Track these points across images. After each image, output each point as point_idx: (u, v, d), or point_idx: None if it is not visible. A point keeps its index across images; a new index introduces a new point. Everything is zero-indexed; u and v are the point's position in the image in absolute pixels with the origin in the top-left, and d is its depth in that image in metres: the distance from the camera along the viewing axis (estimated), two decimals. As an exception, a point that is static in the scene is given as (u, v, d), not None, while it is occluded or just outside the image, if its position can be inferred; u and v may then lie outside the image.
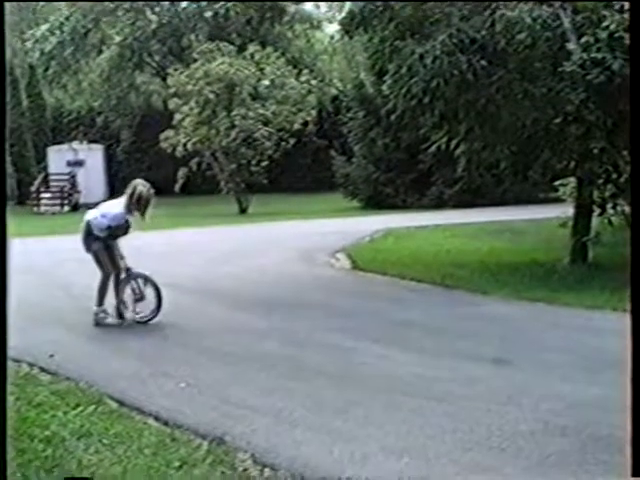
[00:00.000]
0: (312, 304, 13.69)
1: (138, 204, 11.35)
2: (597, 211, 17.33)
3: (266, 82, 39.22)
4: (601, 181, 16.62)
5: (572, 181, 18.52)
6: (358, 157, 38.98)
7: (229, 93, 37.80)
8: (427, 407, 7.57)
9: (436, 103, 15.21)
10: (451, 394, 8.01)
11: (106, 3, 47.13)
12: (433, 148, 17.96)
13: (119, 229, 11.56)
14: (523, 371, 8.93)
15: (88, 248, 11.60)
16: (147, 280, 11.66)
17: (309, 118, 40.45)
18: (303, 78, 40.49)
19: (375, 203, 37.12)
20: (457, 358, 9.53)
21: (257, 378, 8.88)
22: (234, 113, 37.39)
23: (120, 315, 11.66)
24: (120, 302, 11.67)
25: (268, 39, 47.19)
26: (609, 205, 17.51)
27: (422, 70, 14.69)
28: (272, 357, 9.89)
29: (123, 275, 11.65)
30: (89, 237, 11.54)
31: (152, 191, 11.50)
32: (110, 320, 11.62)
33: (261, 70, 39.07)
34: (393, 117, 17.18)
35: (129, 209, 11.42)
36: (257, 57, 39.58)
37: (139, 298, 11.63)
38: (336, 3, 44.24)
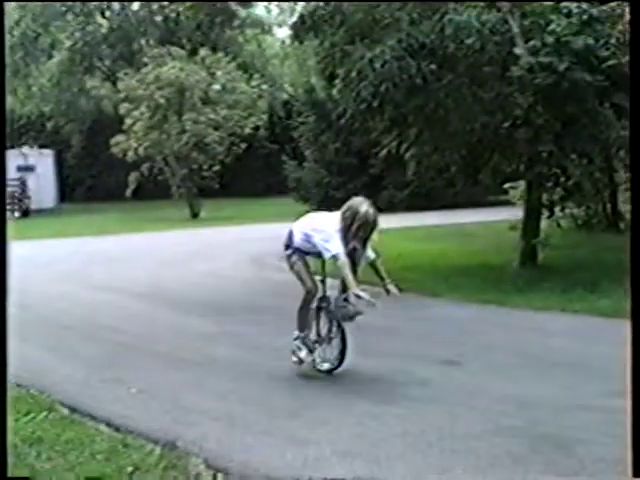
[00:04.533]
0: (263, 308, 13.70)
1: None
2: (546, 214, 17.50)
3: (217, 86, 39.24)
4: (550, 184, 16.78)
5: (521, 184, 18.71)
6: (309, 161, 39.09)
7: (180, 97, 37.77)
8: (379, 410, 7.60)
9: (386, 107, 15.31)
10: (404, 396, 8.04)
11: (57, 5, 46.85)
12: (384, 152, 18.05)
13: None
14: (474, 372, 8.99)
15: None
16: None
17: (260, 123, 40.55)
18: (254, 82, 40.57)
19: (327, 207, 36.72)
20: (409, 360, 9.58)
21: (209, 382, 8.87)
22: (185, 118, 37.37)
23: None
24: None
25: (219, 43, 47.21)
26: (558, 208, 17.71)
27: (371, 74, 14.77)
28: (224, 361, 9.90)
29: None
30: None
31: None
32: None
33: (212, 74, 39.08)
34: (343, 121, 17.28)
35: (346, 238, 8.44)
36: (208, 61, 39.60)
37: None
38: (287, 6, 44.31)
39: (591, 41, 15.00)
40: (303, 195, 39.17)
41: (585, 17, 15.06)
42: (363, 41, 15.77)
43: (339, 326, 8.79)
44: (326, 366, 8.90)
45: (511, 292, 14.15)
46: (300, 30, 17.44)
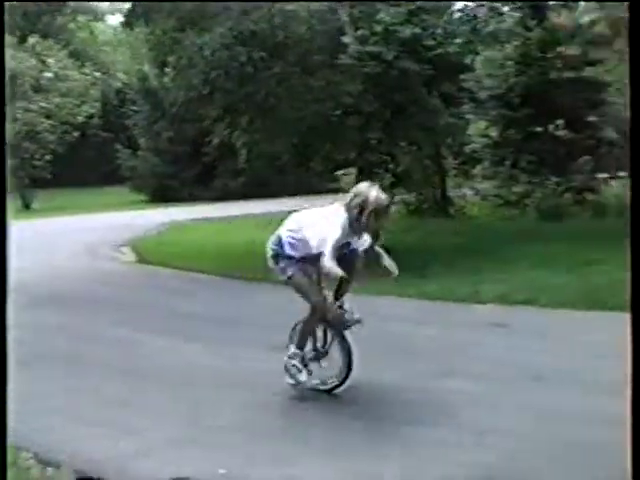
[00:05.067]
0: (97, 298, 13.56)
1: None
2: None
3: (49, 74, 38.46)
4: (379, 171, 17.09)
5: (353, 171, 18.98)
6: (144, 150, 38.77)
7: (10, 86, 36.76)
8: (211, 396, 7.65)
9: (216, 95, 15.32)
10: (234, 383, 8.10)
11: None
12: (216, 140, 18.06)
13: None
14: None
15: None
16: None
17: (93, 111, 39.93)
18: (87, 70, 39.88)
19: (161, 196, 37.00)
20: (239, 346, 9.62)
21: (42, 375, 8.72)
22: (16, 106, 36.45)
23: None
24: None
25: (50, 31, 46.19)
26: (388, 194, 18.05)
27: (201, 62, 14.76)
28: (58, 353, 9.74)
29: None
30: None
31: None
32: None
33: (43, 62, 38.26)
34: (175, 109, 17.21)
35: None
36: (39, 49, 38.70)
37: None
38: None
39: (418, 30, 15.35)
40: (138, 184, 38.84)
41: (412, 7, 15.41)
42: (193, 29, 15.72)
43: (341, 336, 7.53)
44: (329, 383, 7.57)
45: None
46: (131, 17, 17.28)
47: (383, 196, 7.12)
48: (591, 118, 23.24)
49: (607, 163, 23.77)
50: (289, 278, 7.35)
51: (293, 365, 7.54)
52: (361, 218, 7.01)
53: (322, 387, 7.57)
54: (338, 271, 6.79)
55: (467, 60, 18.15)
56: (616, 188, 24.05)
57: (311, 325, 7.55)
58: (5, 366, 4.66)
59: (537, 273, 13.20)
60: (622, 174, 24.39)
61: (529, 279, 12.82)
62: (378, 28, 15.04)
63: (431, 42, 15.71)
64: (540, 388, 7.41)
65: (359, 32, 15.12)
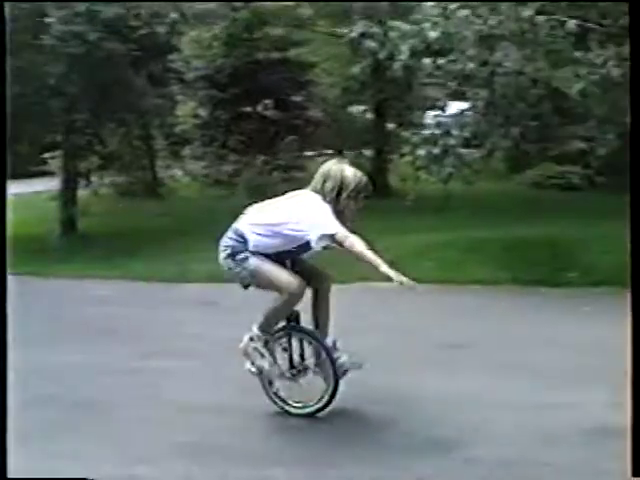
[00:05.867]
0: None
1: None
2: (83, 182, 17.61)
3: None
4: (86, 153, 16.89)
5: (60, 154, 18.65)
6: None
7: None
8: None
9: None
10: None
11: None
12: None
13: None
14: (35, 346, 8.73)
15: None
16: None
17: None
18: None
19: None
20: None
21: None
22: None
23: None
24: None
25: None
26: (95, 176, 17.86)
27: None
28: None
29: None
30: None
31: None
32: None
33: None
34: None
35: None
36: None
37: None
38: None
39: (122, 11, 15.26)
40: None
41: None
42: None
43: (326, 352, 6.16)
44: (310, 407, 6.23)
45: (53, 262, 14.11)
46: None
47: (359, 173, 6.04)
48: (297, 98, 23.85)
49: (313, 142, 24.50)
50: (254, 270, 6.03)
51: (254, 348, 6.18)
52: (338, 205, 5.92)
53: (297, 411, 6.27)
54: (362, 245, 5.61)
55: (175, 41, 18.21)
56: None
57: (281, 313, 6.17)
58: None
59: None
60: (328, 152, 25.22)
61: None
62: (82, 8, 14.81)
63: (136, 22, 15.65)
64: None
65: (62, 12, 14.83)
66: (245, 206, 6.28)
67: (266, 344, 6.19)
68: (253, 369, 6.22)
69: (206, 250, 13.66)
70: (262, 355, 6.15)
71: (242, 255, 6.05)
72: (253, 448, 5.65)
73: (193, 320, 9.61)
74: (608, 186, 20.42)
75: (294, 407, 6.27)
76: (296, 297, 5.97)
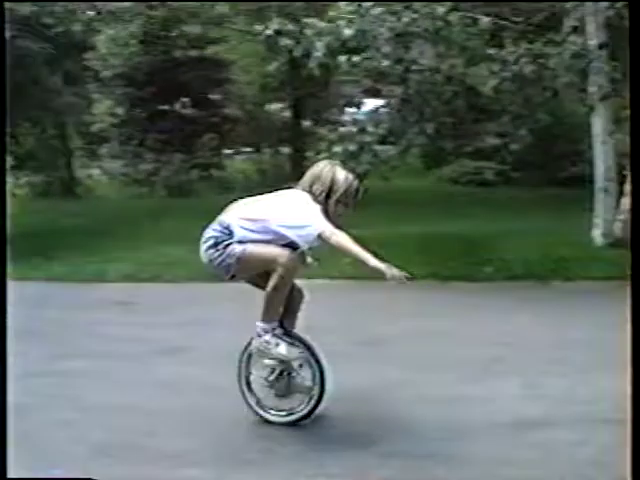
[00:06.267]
0: None
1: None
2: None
3: None
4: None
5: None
6: None
7: None
8: None
9: None
10: None
11: None
12: None
13: None
14: None
15: None
16: None
17: None
18: None
19: None
20: None
21: None
22: None
23: None
24: None
25: None
26: (11, 177, 17.64)
27: None
28: None
29: None
30: None
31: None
32: None
33: None
34: None
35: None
36: None
37: None
38: None
39: (36, 8, 15.08)
40: None
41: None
42: None
43: (310, 352, 5.90)
44: (295, 414, 5.96)
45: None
46: None
47: (351, 176, 5.86)
48: (215, 96, 23.84)
49: (231, 139, 24.50)
50: (241, 254, 5.63)
51: (266, 342, 5.82)
52: (327, 207, 5.74)
53: (278, 419, 6.00)
54: (349, 242, 5.44)
55: (91, 39, 18.05)
56: (241, 163, 24.87)
57: (280, 294, 5.73)
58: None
59: (164, 249, 13.42)
60: (246, 150, 25.20)
61: (156, 256, 13.03)
62: (-6, 6, 14.61)
63: (51, 20, 15.47)
64: (168, 362, 7.59)
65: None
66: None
67: (274, 331, 5.81)
68: (272, 362, 5.95)
69: (124, 249, 13.73)
70: (276, 344, 5.81)
71: (226, 243, 5.68)
72: (167, 448, 5.65)
73: (109, 321, 9.54)
74: (522, 181, 20.78)
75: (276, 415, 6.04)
76: (290, 271, 5.63)
